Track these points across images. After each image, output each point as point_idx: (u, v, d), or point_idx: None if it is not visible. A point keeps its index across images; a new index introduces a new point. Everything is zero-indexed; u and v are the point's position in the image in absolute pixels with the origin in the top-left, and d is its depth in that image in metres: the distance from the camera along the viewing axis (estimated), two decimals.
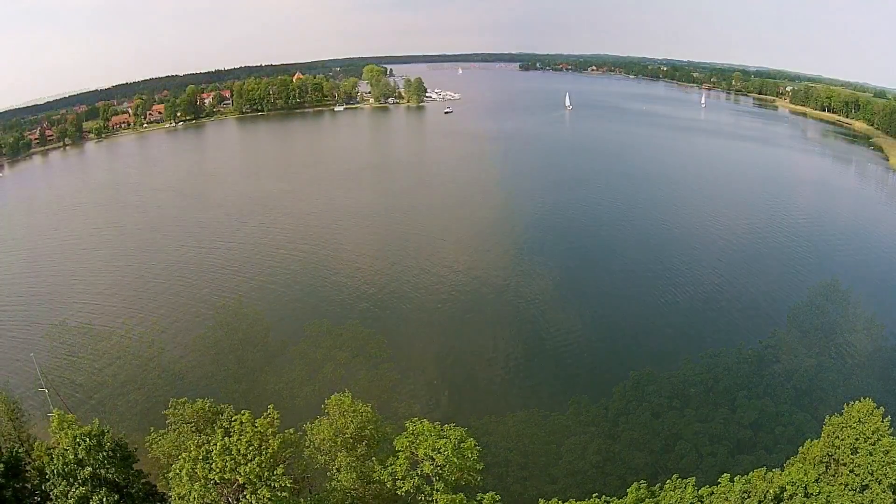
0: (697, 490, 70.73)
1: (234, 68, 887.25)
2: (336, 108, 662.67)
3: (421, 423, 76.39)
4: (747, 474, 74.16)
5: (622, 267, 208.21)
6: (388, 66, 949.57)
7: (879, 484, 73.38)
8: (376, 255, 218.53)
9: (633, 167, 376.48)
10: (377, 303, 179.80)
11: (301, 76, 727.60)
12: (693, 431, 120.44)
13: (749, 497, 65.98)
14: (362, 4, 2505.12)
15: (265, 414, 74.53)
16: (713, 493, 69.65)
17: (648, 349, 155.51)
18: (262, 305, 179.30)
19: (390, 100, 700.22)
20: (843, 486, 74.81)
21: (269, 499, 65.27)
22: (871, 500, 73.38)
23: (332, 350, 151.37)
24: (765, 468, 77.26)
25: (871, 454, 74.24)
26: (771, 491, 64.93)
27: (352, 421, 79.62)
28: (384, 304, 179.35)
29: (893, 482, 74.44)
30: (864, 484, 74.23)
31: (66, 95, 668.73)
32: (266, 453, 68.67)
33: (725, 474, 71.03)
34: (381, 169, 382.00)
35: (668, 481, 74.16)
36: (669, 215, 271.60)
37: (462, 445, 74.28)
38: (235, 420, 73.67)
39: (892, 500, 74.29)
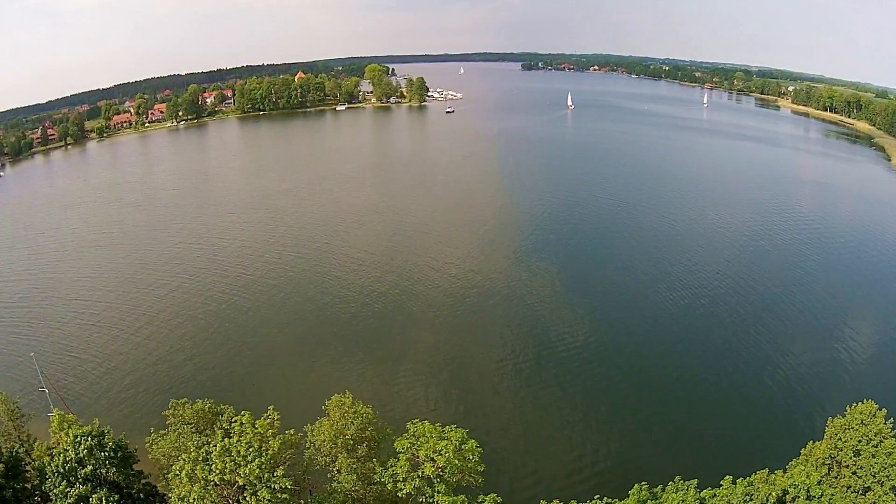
0: (699, 492, 70.49)
1: (236, 67, 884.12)
2: (338, 108, 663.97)
3: (422, 424, 76.15)
4: (749, 476, 74.12)
5: (629, 267, 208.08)
6: (391, 66, 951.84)
7: (882, 486, 73.09)
8: (380, 254, 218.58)
9: (637, 167, 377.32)
10: (381, 302, 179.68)
11: (303, 75, 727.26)
12: (696, 432, 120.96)
13: (751, 499, 65.83)
14: (365, 4, 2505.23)
15: (265, 415, 74.58)
16: (715, 495, 69.49)
17: (656, 350, 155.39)
18: (263, 304, 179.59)
19: (392, 99, 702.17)
20: (845, 489, 74.56)
21: (269, 500, 65.11)
22: (874, 503, 73.14)
23: (334, 350, 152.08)
24: (767, 470, 77.10)
25: (873, 456, 74.01)
26: (773, 494, 64.81)
27: (352, 422, 79.69)
28: (388, 303, 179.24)
29: None
30: (866, 486, 73.94)
31: (68, 95, 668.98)
32: (266, 455, 68.59)
33: (728, 476, 70.70)
34: (383, 168, 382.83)
35: (669, 483, 73.86)
36: (674, 215, 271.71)
37: (463, 447, 73.95)
38: (236, 421, 73.76)
39: (894, 502, 74.09)
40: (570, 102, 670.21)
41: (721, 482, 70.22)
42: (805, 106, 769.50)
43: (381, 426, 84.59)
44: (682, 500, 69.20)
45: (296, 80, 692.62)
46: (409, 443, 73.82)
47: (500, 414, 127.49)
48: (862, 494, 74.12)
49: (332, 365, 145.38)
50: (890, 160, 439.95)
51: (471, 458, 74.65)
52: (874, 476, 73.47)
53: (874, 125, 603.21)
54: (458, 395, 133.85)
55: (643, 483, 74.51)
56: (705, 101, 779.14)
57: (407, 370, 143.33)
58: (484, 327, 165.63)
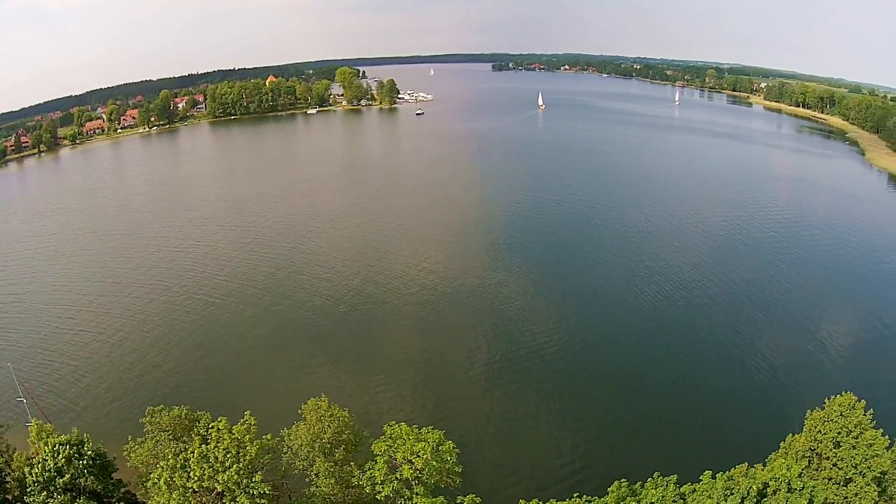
0: (679, 488, 71.10)
1: (208, 72, 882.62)
2: (309, 111, 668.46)
3: (399, 426, 76.94)
4: (729, 470, 74.95)
5: (607, 266, 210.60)
6: (361, 68, 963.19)
7: (863, 477, 74.22)
8: (353, 257, 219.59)
9: (610, 166, 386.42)
10: (355, 306, 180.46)
11: (274, 79, 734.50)
12: (675, 428, 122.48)
13: (732, 494, 66.16)
14: (336, 7, 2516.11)
15: (242, 420, 74.96)
16: (695, 490, 69.91)
17: (634, 347, 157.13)
18: (239, 309, 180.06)
19: (363, 102, 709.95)
20: (826, 480, 75.53)
21: None
22: (856, 493, 74.13)
23: (309, 354, 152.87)
24: (746, 464, 77.98)
25: (854, 448, 75.02)
26: (754, 487, 65.17)
27: (329, 425, 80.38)
28: (362, 307, 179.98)
29: (878, 475, 75.34)
30: (848, 477, 75.00)
31: (41, 102, 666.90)
32: (244, 460, 69.10)
33: (707, 471, 70.84)
34: (355, 171, 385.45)
35: (649, 479, 74.58)
36: (647, 213, 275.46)
37: (441, 448, 74.92)
38: (212, 427, 74.34)
39: (876, 492, 75.13)
40: (541, 102, 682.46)
41: (701, 477, 70.41)
42: (778, 102, 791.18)
43: (358, 429, 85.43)
44: (662, 496, 69.78)
45: (267, 84, 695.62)
46: (387, 445, 74.59)
47: (477, 414, 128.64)
48: (844, 486, 75.17)
49: (308, 368, 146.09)
50: (864, 155, 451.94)
51: (448, 459, 75.56)
52: (855, 467, 74.54)
53: (848, 120, 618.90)
54: (436, 397, 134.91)
55: (623, 480, 75.41)
56: (677, 98, 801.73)
57: (384, 372, 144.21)
58: (462, 328, 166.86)
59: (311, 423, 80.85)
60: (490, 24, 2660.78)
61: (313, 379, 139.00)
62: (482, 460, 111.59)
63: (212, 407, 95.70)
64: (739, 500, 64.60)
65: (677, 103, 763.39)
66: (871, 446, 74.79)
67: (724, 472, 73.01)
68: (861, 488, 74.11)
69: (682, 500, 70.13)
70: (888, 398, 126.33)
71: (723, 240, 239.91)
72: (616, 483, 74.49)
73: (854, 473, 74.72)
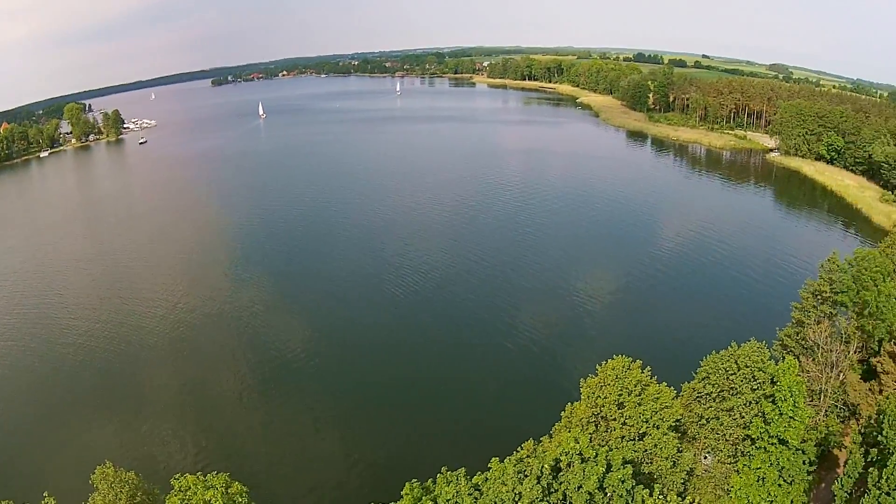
0: (471, 479, 74.48)
1: None
2: (41, 155, 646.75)
3: (185, 478, 79.20)
4: (515, 452, 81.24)
5: (346, 266, 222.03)
6: (88, 102, 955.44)
7: (658, 429, 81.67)
8: (103, 301, 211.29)
9: (334, 166, 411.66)
10: (114, 354, 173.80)
11: (7, 126, 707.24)
12: (454, 422, 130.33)
13: (527, 476, 69.33)
14: (50, 43, 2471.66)
15: (42, 502, 79.02)
16: (488, 479, 73.05)
17: (391, 347, 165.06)
18: (8, 377, 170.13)
19: (91, 137, 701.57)
20: (620, 440, 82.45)
21: None
22: (655, 444, 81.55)
23: (85, 416, 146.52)
24: (531, 440, 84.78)
25: (640, 405, 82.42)
26: (546, 466, 69.13)
27: (121, 491, 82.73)
28: (122, 354, 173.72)
29: (673, 424, 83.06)
30: (642, 432, 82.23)
31: None
32: None
33: (494, 458, 74.46)
34: (90, 209, 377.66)
35: (438, 475, 77.93)
36: (385, 205, 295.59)
37: (230, 491, 78.74)
38: None
39: (675, 438, 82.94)
40: (261, 111, 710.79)
41: (489, 465, 73.94)
42: (502, 78, 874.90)
43: (149, 488, 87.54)
44: (457, 491, 74.20)
45: (1, 131, 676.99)
46: (179, 499, 76.96)
47: (260, 443, 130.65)
48: (639, 440, 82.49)
49: (89, 432, 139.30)
50: (598, 116, 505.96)
51: (240, 500, 79.76)
52: (646, 422, 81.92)
53: (578, 86, 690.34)
54: (216, 435, 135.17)
55: (414, 481, 79.64)
56: (398, 89, 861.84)
57: (159, 419, 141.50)
58: (225, 356, 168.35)
59: (105, 493, 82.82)
60: (205, 40, 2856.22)
61: (95, 442, 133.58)
62: (279, 486, 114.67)
63: (11, 492, 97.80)
64: (536, 481, 67.99)
65: (399, 94, 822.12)
66: (657, 399, 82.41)
67: (513, 455, 79.09)
68: (658, 439, 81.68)
69: (477, 492, 73.78)
70: (660, 350, 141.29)
71: (467, 221, 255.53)
72: (408, 485, 78.39)
73: (647, 427, 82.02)
